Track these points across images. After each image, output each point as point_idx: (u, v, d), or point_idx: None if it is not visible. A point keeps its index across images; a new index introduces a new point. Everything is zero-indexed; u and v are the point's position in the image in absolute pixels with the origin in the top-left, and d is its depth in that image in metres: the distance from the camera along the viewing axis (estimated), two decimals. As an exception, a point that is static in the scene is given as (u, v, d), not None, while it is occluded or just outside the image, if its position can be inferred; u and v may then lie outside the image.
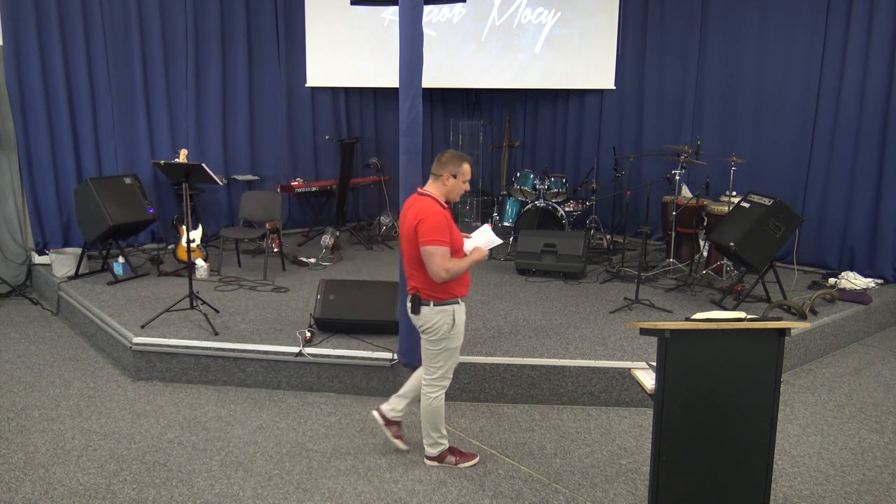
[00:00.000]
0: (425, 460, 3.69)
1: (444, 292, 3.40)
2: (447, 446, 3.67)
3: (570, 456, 3.78)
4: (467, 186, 3.50)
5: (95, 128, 6.91)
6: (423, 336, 3.50)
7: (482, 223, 8.35)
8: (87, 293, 5.71)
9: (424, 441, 3.66)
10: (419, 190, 3.48)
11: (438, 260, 3.27)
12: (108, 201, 6.00)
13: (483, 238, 3.52)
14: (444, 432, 3.65)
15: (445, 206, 3.44)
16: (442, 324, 3.41)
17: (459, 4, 8.16)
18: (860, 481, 3.56)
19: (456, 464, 3.66)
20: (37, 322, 5.83)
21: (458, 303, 3.47)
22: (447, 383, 3.56)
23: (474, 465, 3.66)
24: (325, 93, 8.49)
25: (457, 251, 3.42)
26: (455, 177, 3.42)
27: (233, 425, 4.07)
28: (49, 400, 4.35)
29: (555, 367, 4.37)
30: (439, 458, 3.66)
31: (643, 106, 7.96)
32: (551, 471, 3.63)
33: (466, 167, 3.45)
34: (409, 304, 3.51)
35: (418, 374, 3.70)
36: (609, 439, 3.97)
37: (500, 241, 3.58)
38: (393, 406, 3.76)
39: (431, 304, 3.40)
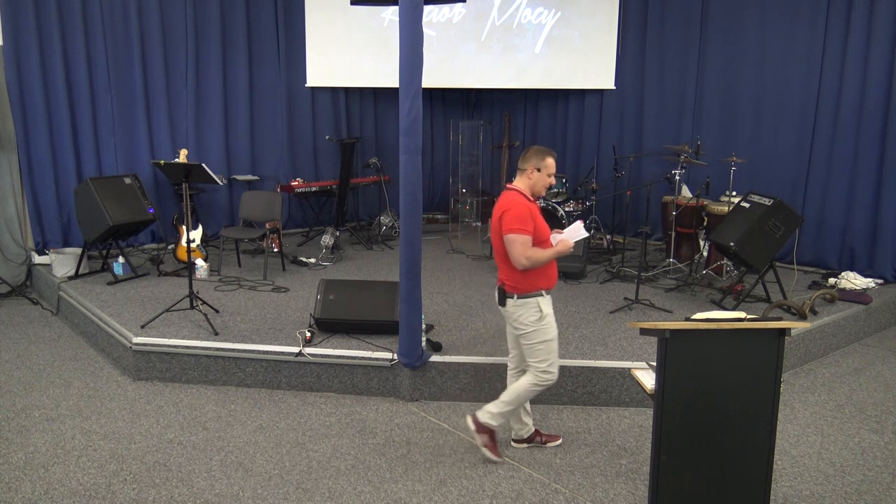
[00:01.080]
0: (469, 417, 3.70)
1: (527, 284, 3.48)
2: (495, 427, 3.69)
3: (570, 456, 3.78)
4: (552, 180, 3.61)
5: (95, 128, 6.91)
6: (517, 334, 3.59)
7: (483, 223, 8.41)
8: (87, 293, 5.71)
9: (490, 405, 3.67)
10: (507, 186, 3.62)
11: (519, 247, 3.39)
12: (108, 201, 6.00)
13: (573, 233, 3.59)
14: (507, 416, 3.68)
15: (532, 199, 3.56)
16: (527, 316, 3.49)
17: (459, 4, 8.16)
18: (860, 481, 3.56)
19: (483, 445, 3.68)
20: (37, 322, 5.83)
21: (542, 295, 3.52)
22: (550, 378, 3.59)
23: (494, 461, 3.67)
24: (325, 93, 8.49)
25: (542, 242, 3.50)
26: (539, 170, 3.54)
27: (233, 425, 4.07)
28: (49, 400, 4.35)
29: (555, 367, 4.36)
30: (480, 428, 3.67)
31: (643, 106, 7.96)
32: (551, 471, 3.63)
33: (550, 161, 3.55)
34: (496, 296, 3.62)
35: (515, 386, 3.76)
36: (609, 439, 3.97)
37: (586, 235, 3.68)
38: (517, 430, 3.85)
39: (515, 296, 3.50)
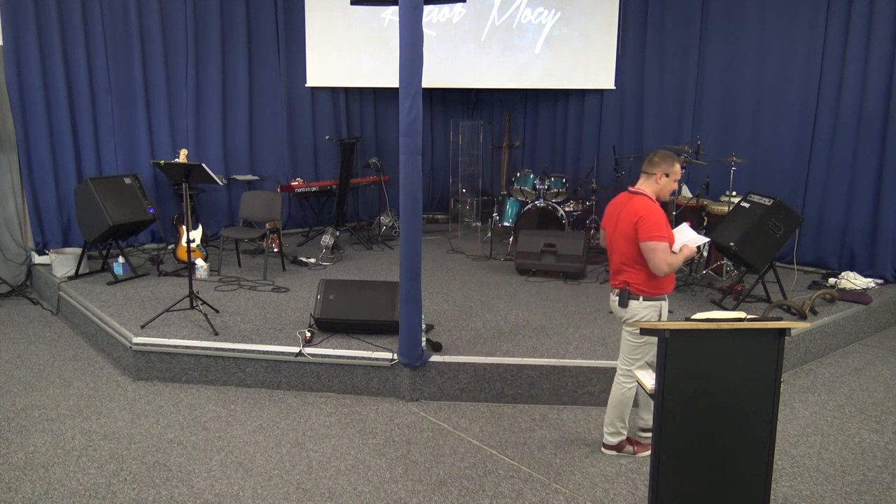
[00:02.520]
0: (602, 449, 3.78)
1: (654, 288, 3.52)
2: (626, 436, 3.75)
3: (570, 456, 3.78)
4: (676, 185, 3.63)
5: (95, 128, 6.91)
6: (626, 328, 3.60)
7: (482, 223, 8.40)
8: (87, 293, 5.71)
9: (606, 429, 3.75)
10: (630, 189, 3.63)
11: (661, 254, 3.40)
12: (108, 201, 6.00)
13: (686, 236, 3.63)
14: (627, 423, 3.72)
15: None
16: (649, 318, 3.52)
17: (459, 4, 8.16)
18: (860, 481, 3.56)
19: (634, 453, 3.73)
20: (37, 322, 5.83)
21: (664, 299, 3.58)
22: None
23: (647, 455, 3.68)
24: (325, 93, 8.49)
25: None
26: (668, 175, 3.56)
27: (233, 425, 4.07)
28: (49, 400, 4.35)
29: (555, 367, 4.37)
30: (618, 448, 3.75)
31: (643, 106, 7.96)
32: (551, 471, 3.63)
33: (678, 167, 3.59)
34: (615, 298, 3.62)
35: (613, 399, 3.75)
36: (609, 439, 3.97)
37: (706, 240, 3.68)
38: (645, 421, 3.82)
39: (641, 298, 3.52)
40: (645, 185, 3.58)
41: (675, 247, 3.55)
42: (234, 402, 4.36)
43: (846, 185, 6.50)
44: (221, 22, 7.55)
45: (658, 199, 3.58)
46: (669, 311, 3.68)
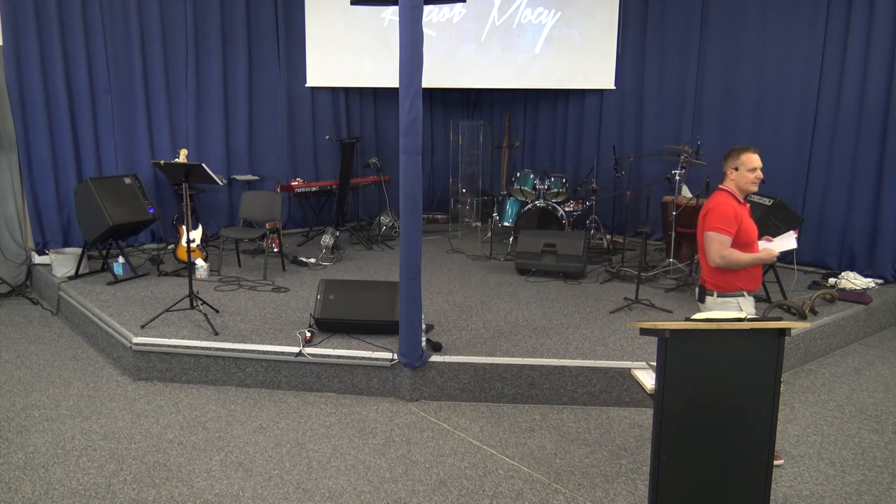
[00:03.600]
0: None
1: (726, 283, 3.55)
2: None
3: (570, 456, 3.78)
4: (758, 174, 3.59)
5: (95, 128, 6.91)
6: None
7: (482, 223, 8.40)
8: (87, 293, 5.72)
9: None
10: (719, 186, 3.71)
11: (716, 245, 3.48)
12: (108, 201, 6.01)
13: (780, 242, 3.65)
14: None
15: (742, 201, 3.61)
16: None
17: (459, 4, 8.17)
18: (860, 481, 3.56)
19: None
20: (37, 322, 5.83)
21: (743, 296, 3.58)
22: None
23: None
24: (325, 93, 8.50)
25: (747, 245, 3.55)
26: (737, 169, 3.58)
27: (233, 425, 4.07)
28: (49, 400, 4.35)
29: (555, 367, 4.37)
30: None
31: (643, 106, 7.96)
32: (551, 471, 3.63)
33: (746, 157, 3.57)
34: (696, 293, 3.76)
35: None
36: (609, 439, 3.97)
37: (794, 246, 3.71)
38: None
39: (715, 294, 3.57)
40: (726, 182, 3.67)
41: (762, 247, 3.59)
42: (234, 402, 4.36)
43: (846, 185, 6.51)
44: (221, 22, 7.55)
45: (743, 193, 3.62)
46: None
